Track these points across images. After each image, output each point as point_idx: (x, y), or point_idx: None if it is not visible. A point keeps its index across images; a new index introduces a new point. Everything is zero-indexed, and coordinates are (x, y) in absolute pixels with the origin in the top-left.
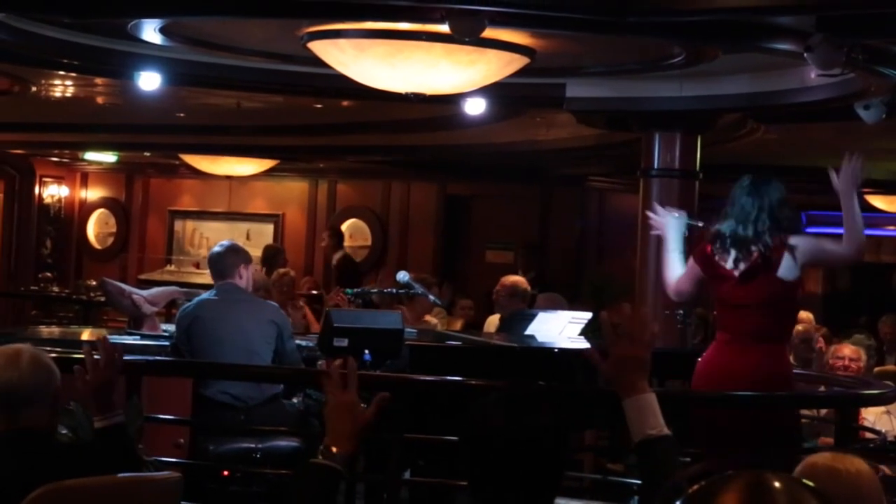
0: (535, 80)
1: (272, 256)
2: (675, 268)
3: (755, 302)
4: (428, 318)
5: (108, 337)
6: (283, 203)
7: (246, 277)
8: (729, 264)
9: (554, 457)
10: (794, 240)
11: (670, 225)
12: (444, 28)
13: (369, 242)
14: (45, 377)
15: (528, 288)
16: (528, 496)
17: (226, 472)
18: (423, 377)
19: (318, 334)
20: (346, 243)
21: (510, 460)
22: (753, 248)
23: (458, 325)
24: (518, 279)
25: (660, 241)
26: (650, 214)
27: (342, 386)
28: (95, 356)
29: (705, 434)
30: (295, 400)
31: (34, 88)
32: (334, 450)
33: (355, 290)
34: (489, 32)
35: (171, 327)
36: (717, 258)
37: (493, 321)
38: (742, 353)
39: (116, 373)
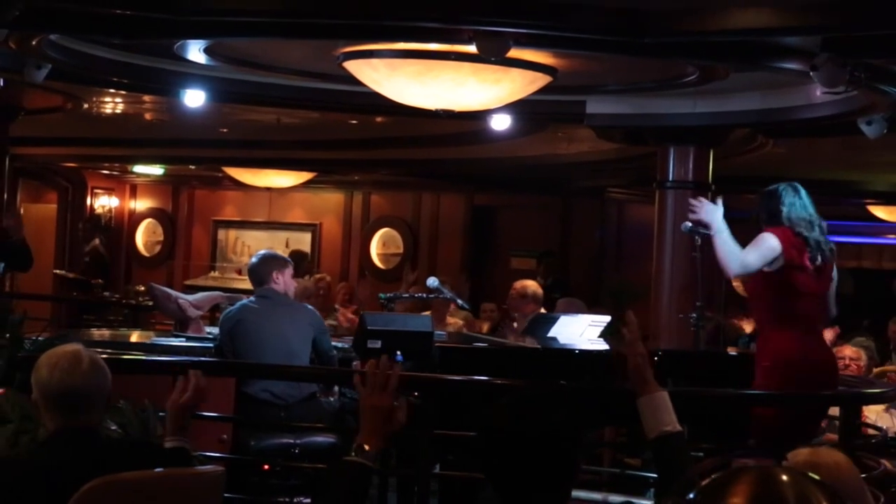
0: (557, 98)
1: (297, 262)
2: (734, 246)
3: (826, 292)
4: (450, 319)
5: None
6: (320, 213)
7: (282, 281)
8: (808, 258)
9: (567, 453)
10: None
11: (714, 210)
12: (472, 48)
13: (401, 250)
14: (103, 380)
15: (539, 290)
16: (544, 490)
17: (266, 466)
18: (452, 377)
19: (352, 336)
20: (379, 251)
21: (524, 457)
22: (825, 246)
23: (484, 328)
24: (527, 282)
25: (675, 250)
26: (694, 202)
27: (380, 388)
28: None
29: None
30: (332, 398)
31: (86, 105)
32: (367, 447)
33: (388, 294)
34: (514, 52)
35: (215, 330)
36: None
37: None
38: (821, 340)
39: (199, 405)
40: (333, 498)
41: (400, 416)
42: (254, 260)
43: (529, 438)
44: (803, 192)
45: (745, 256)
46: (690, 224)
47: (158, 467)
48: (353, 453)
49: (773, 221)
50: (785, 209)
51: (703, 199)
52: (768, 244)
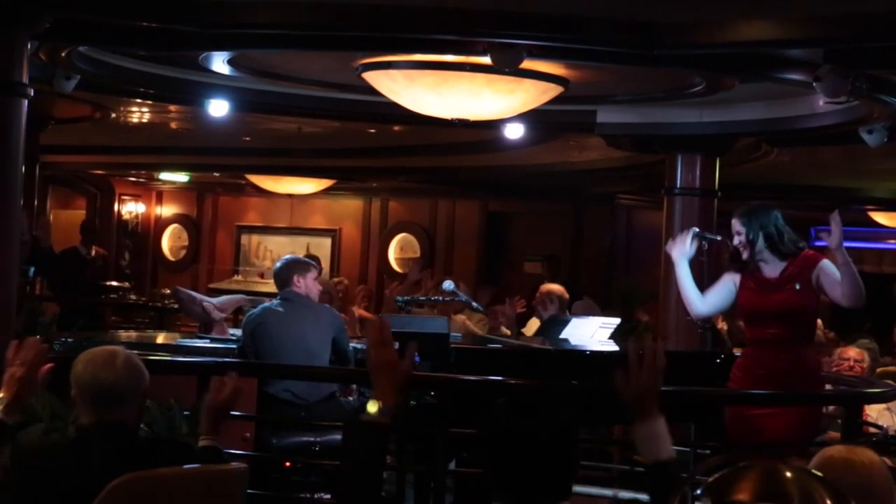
0: (569, 107)
1: None
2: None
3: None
4: (455, 317)
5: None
6: (339, 219)
7: (304, 285)
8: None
9: (562, 451)
10: None
11: (684, 254)
12: (487, 60)
13: (418, 255)
14: (138, 378)
15: (563, 294)
16: (545, 487)
17: (287, 464)
18: (466, 377)
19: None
20: (397, 256)
21: (523, 454)
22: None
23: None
24: (553, 287)
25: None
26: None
27: (381, 343)
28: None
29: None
30: (351, 398)
31: (114, 115)
32: (381, 405)
33: (404, 297)
34: (527, 64)
35: (238, 332)
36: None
37: (532, 325)
38: None
39: (233, 406)
40: (352, 457)
41: (404, 366)
42: (278, 264)
43: (525, 435)
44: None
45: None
46: (697, 229)
47: (187, 464)
48: (367, 411)
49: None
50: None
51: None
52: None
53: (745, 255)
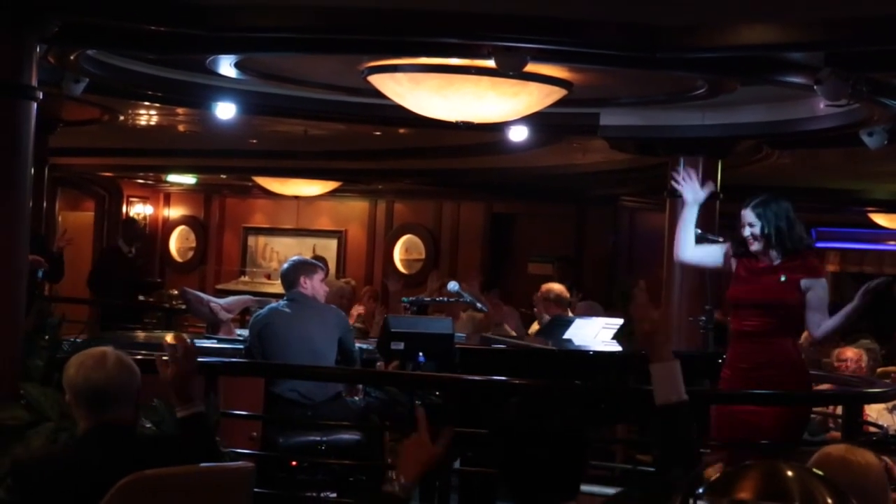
0: (572, 110)
1: None
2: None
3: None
4: (462, 314)
5: (185, 335)
6: (345, 220)
7: (310, 286)
8: None
9: (575, 450)
10: None
11: (696, 199)
12: (491, 63)
13: (423, 256)
14: (129, 377)
15: (563, 293)
16: (553, 486)
17: (294, 463)
18: (471, 377)
19: (376, 338)
20: (402, 257)
21: (533, 453)
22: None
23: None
24: (552, 285)
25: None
26: (679, 177)
27: (424, 429)
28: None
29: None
30: (356, 397)
31: (122, 117)
32: (402, 479)
33: (410, 298)
34: (531, 67)
35: (245, 332)
36: None
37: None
38: None
39: (194, 365)
40: None
41: (435, 452)
42: (285, 265)
43: (538, 435)
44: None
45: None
46: (700, 231)
47: (185, 455)
48: (388, 484)
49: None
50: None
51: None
52: None
53: (753, 248)
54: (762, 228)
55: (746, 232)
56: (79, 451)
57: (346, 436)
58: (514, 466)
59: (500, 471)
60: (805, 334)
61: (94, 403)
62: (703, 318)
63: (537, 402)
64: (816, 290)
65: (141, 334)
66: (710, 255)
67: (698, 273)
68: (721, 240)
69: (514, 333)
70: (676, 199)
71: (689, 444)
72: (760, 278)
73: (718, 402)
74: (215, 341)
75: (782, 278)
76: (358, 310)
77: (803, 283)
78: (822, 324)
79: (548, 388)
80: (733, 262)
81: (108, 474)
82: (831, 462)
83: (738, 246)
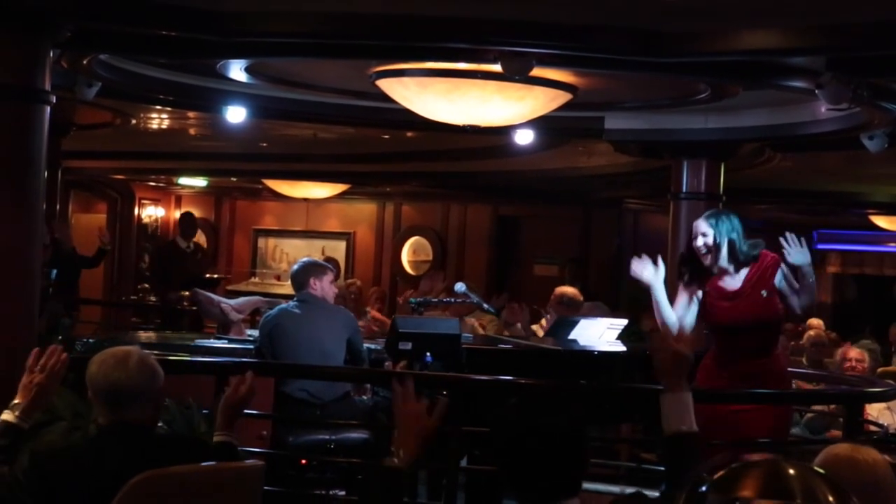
0: (578, 114)
1: None
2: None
3: None
4: (468, 319)
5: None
6: (354, 222)
7: (320, 287)
8: None
9: (574, 448)
10: None
11: (652, 274)
12: (497, 67)
13: (430, 257)
14: (150, 377)
15: (577, 296)
16: (555, 484)
17: (303, 461)
18: (478, 376)
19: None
20: (410, 258)
21: (534, 451)
22: None
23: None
24: (565, 289)
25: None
26: (636, 265)
27: (408, 396)
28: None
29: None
30: (365, 397)
31: (134, 121)
32: (401, 453)
33: (417, 299)
34: (537, 71)
35: (256, 332)
36: None
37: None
38: None
39: (249, 399)
40: (368, 499)
41: (431, 423)
42: (295, 267)
43: (537, 433)
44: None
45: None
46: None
47: (205, 461)
48: (388, 457)
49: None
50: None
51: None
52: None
53: (707, 261)
54: (714, 238)
55: (699, 242)
56: (95, 447)
57: (354, 434)
58: (515, 464)
59: (501, 468)
60: (811, 334)
61: (112, 401)
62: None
63: (538, 401)
64: (782, 276)
65: (153, 335)
66: (693, 311)
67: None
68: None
69: (523, 333)
70: (679, 201)
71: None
72: (742, 300)
73: (718, 402)
74: (226, 341)
75: (763, 293)
76: (374, 312)
77: (776, 279)
78: (797, 301)
79: (547, 387)
80: (698, 293)
81: (121, 472)
82: (839, 461)
83: (682, 265)
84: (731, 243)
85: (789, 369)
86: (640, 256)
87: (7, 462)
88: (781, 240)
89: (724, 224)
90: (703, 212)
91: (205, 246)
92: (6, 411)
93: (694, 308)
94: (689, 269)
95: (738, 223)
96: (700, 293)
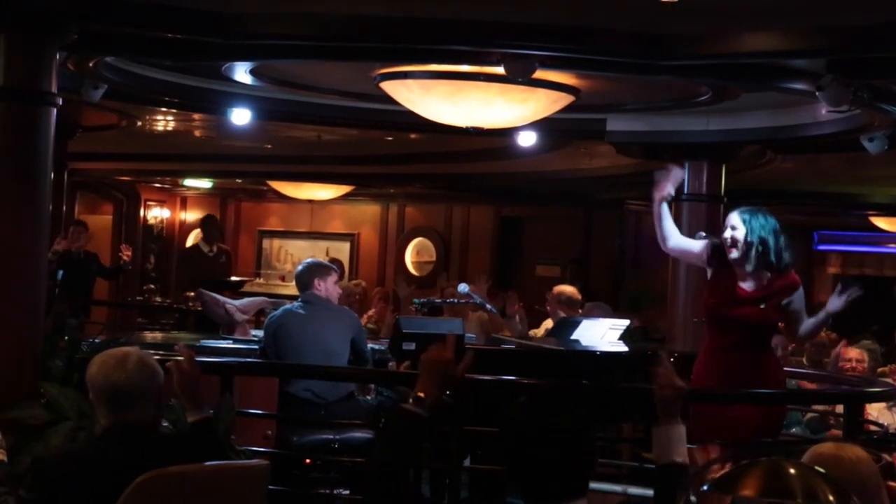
0: (580, 116)
1: None
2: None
3: None
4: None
5: (185, 343)
6: (358, 224)
7: (324, 288)
8: None
9: (582, 447)
10: None
11: (664, 197)
12: (500, 70)
13: (434, 258)
14: (149, 377)
15: (574, 295)
16: (562, 483)
17: (308, 461)
18: (481, 377)
19: (388, 339)
20: (413, 259)
21: (541, 451)
22: None
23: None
24: (563, 288)
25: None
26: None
27: (444, 349)
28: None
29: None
30: (369, 397)
31: (139, 123)
32: (422, 395)
33: (421, 300)
34: (539, 74)
35: (260, 333)
36: None
37: (547, 325)
38: None
39: (197, 372)
40: (387, 443)
41: (458, 370)
42: (299, 268)
43: (546, 433)
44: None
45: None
46: (704, 233)
47: (209, 460)
48: (410, 400)
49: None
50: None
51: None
52: None
53: (732, 255)
54: (745, 235)
55: (727, 234)
56: (98, 448)
57: (358, 434)
58: (523, 464)
59: (508, 468)
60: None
61: (113, 402)
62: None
63: (545, 401)
64: (794, 302)
65: (159, 335)
66: (690, 252)
67: (702, 274)
68: (703, 235)
69: (519, 326)
70: (681, 202)
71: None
72: (742, 304)
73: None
74: (231, 342)
75: (762, 306)
76: (369, 312)
77: (785, 301)
78: (799, 330)
79: (550, 387)
80: (709, 270)
81: (125, 472)
82: (824, 459)
83: (714, 251)
84: (763, 242)
85: (789, 369)
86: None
87: None
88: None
89: (758, 221)
90: (703, 213)
91: (228, 248)
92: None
93: (693, 253)
94: (717, 258)
95: (775, 224)
96: (710, 268)
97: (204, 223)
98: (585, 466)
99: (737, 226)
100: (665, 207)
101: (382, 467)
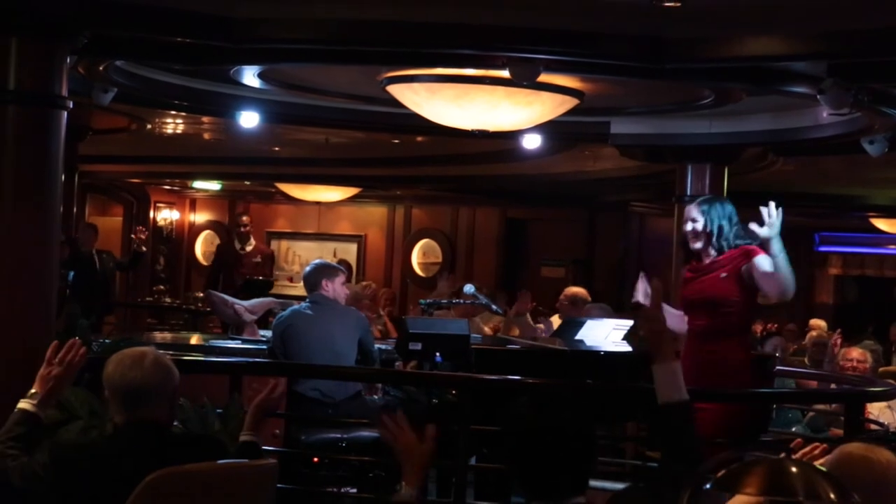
0: (584, 119)
1: None
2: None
3: None
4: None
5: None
6: (365, 225)
7: (332, 289)
8: None
9: (581, 446)
10: None
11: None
12: (505, 73)
13: (440, 259)
14: (165, 377)
15: (587, 296)
16: (563, 480)
17: (315, 459)
18: (487, 376)
19: (395, 339)
20: (420, 260)
21: (543, 448)
22: None
23: (517, 331)
24: (577, 290)
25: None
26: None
27: (399, 430)
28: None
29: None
30: (375, 396)
31: (149, 126)
32: (409, 488)
33: (427, 300)
34: (544, 77)
35: (268, 333)
36: None
37: (554, 324)
38: None
39: (277, 407)
40: None
41: (427, 450)
42: (307, 268)
43: (547, 431)
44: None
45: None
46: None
47: (219, 459)
48: (398, 494)
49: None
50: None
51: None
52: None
53: (694, 245)
54: (704, 225)
55: (689, 227)
56: (111, 444)
57: (365, 433)
58: (524, 461)
59: (510, 466)
60: (813, 335)
61: (128, 400)
62: None
63: (544, 400)
64: (757, 264)
65: (168, 335)
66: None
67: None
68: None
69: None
70: (684, 204)
71: (691, 441)
72: (703, 277)
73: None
74: (239, 342)
75: (722, 275)
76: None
77: (743, 269)
78: (773, 287)
79: (555, 386)
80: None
81: (137, 469)
82: (853, 460)
83: (681, 247)
84: (719, 229)
85: (790, 369)
86: (644, 259)
87: (27, 452)
88: (762, 209)
89: (716, 210)
90: None
91: (268, 249)
92: (23, 400)
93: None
94: (685, 253)
95: (731, 210)
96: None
97: (236, 223)
98: (585, 463)
99: (696, 217)
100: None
101: None
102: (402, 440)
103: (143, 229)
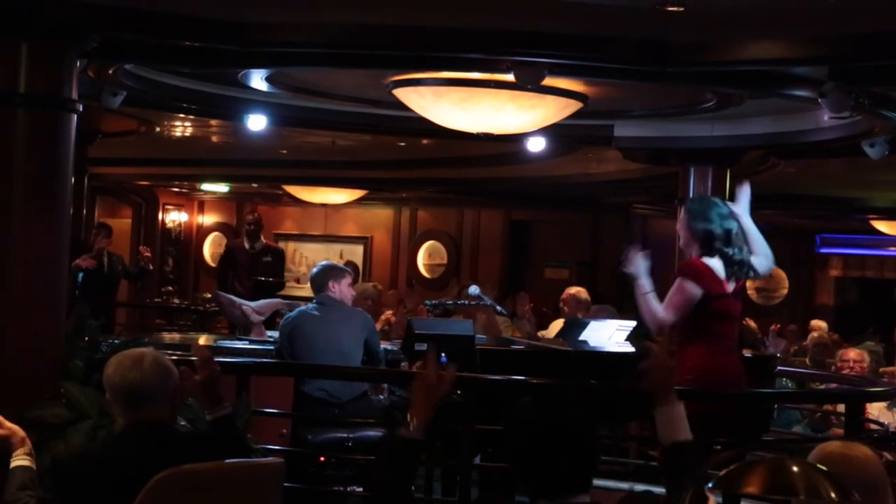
0: (588, 122)
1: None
2: (656, 305)
3: (740, 313)
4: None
5: (202, 343)
6: (371, 227)
7: (338, 290)
8: (731, 283)
9: (584, 445)
10: None
11: (642, 269)
12: (510, 77)
13: (445, 261)
14: (165, 377)
15: (587, 297)
16: (566, 480)
17: (322, 458)
18: (491, 376)
19: (400, 339)
20: (425, 262)
21: (546, 448)
22: (748, 268)
23: (518, 333)
24: (579, 290)
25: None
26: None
27: (433, 366)
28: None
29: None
30: (381, 396)
31: (158, 129)
32: (415, 420)
33: (433, 301)
34: (548, 81)
35: (276, 334)
36: (724, 277)
37: (555, 326)
38: (733, 354)
39: (215, 371)
40: (386, 467)
41: (443, 386)
42: (314, 270)
43: (552, 431)
44: (724, 206)
45: (663, 317)
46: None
47: (226, 458)
48: (403, 426)
49: (705, 248)
50: (716, 228)
51: (633, 255)
52: (688, 295)
53: (680, 243)
54: (687, 222)
55: (678, 226)
56: (116, 448)
57: (371, 433)
58: (529, 461)
59: (514, 465)
60: (814, 336)
61: (130, 402)
62: None
63: (547, 400)
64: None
65: (177, 336)
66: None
67: None
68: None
69: (529, 328)
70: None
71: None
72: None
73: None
74: (247, 342)
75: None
76: (387, 315)
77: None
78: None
79: (559, 386)
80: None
81: (143, 470)
82: (832, 457)
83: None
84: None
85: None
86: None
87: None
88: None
89: (697, 206)
90: None
91: (278, 247)
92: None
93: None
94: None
95: (714, 209)
96: None
97: (249, 221)
98: (587, 462)
99: (682, 216)
100: (645, 286)
101: (383, 489)
102: (425, 375)
103: (147, 248)
